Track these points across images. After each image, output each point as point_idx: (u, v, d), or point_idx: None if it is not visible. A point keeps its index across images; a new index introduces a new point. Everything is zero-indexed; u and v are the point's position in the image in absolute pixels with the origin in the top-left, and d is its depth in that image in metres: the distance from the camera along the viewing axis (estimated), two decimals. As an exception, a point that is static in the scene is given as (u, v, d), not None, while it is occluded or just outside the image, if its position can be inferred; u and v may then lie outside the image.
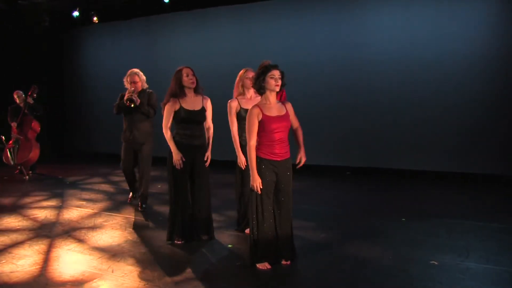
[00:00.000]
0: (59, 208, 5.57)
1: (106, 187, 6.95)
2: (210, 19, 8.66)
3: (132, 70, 5.30)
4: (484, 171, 6.59)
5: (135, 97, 5.06)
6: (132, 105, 5.04)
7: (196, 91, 4.06)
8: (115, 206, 5.61)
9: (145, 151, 5.29)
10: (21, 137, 7.65)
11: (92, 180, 7.58)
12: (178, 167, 3.96)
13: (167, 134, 4.01)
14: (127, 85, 5.23)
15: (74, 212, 5.33)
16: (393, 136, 7.18)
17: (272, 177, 3.37)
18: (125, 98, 5.06)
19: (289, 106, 3.52)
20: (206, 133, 4.20)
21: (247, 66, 4.28)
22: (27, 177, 7.72)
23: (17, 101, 7.78)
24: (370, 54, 7.21)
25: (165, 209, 4.53)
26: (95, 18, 9.50)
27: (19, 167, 7.84)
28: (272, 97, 3.40)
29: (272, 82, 3.32)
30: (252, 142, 3.35)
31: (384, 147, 7.25)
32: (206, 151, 4.14)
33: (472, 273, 3.29)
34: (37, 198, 6.17)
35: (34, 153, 7.75)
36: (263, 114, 3.33)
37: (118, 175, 8.00)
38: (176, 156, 3.95)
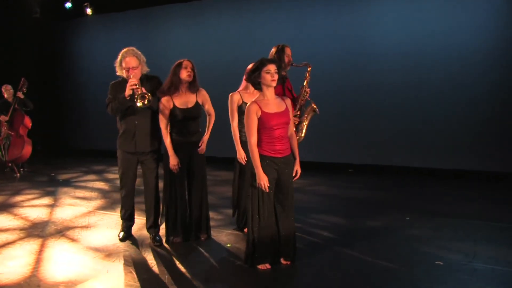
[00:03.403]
0: (52, 206, 5.55)
1: (100, 184, 6.93)
2: (208, 10, 8.62)
3: (127, 49, 3.89)
4: (492, 168, 6.58)
5: (145, 92, 3.74)
6: (146, 102, 3.70)
7: (191, 87, 3.99)
8: (110, 205, 5.60)
9: (152, 164, 4.07)
10: (12, 133, 7.63)
11: (86, 177, 7.57)
12: (175, 171, 3.95)
13: (166, 135, 3.96)
14: (120, 72, 3.93)
15: (67, 211, 5.31)
16: (397, 133, 7.17)
17: (273, 174, 3.36)
18: (127, 93, 3.73)
19: (288, 102, 3.49)
20: (207, 119, 4.17)
21: (245, 59, 4.26)
22: (18, 174, 7.70)
23: (5, 95, 7.76)
24: (374, 47, 7.19)
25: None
26: (88, 10, 9.46)
27: (9, 164, 7.82)
28: (269, 92, 3.36)
29: (268, 77, 3.28)
30: (253, 139, 3.32)
31: (388, 144, 7.23)
32: (197, 147, 4.09)
33: (479, 274, 3.28)
34: (29, 196, 6.15)
35: (27, 150, 7.73)
36: (261, 111, 3.31)
37: (113, 173, 8.00)
38: (173, 161, 3.93)
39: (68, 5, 9.32)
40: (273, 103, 3.37)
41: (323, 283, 3.22)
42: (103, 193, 6.29)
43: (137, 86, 3.73)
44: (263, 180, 3.29)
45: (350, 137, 7.50)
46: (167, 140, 3.95)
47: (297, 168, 3.52)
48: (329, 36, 7.53)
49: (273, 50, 4.37)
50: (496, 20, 6.44)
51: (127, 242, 4.14)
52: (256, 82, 3.35)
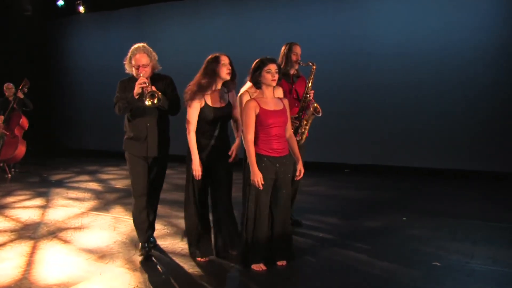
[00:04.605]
0: (44, 207, 5.52)
1: (93, 185, 6.91)
2: (204, 9, 8.61)
3: (138, 46, 3.65)
4: (492, 168, 6.59)
5: (155, 90, 3.48)
6: (155, 101, 3.45)
7: (226, 84, 3.62)
8: (103, 205, 5.57)
9: (161, 168, 3.87)
10: (7, 133, 7.59)
11: (78, 178, 7.54)
12: (197, 178, 3.55)
13: (193, 138, 3.53)
14: (129, 69, 3.70)
15: (59, 212, 5.28)
16: (393, 132, 7.18)
17: (271, 174, 3.36)
18: (136, 92, 3.50)
19: (286, 102, 3.50)
20: (233, 125, 3.84)
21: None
22: (9, 175, 7.66)
23: (6, 93, 7.76)
24: (373, 47, 7.18)
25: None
26: (81, 8, 9.42)
27: (1, 164, 7.78)
28: (268, 92, 3.39)
29: (269, 76, 3.30)
30: (250, 136, 3.33)
31: (384, 144, 7.24)
32: (227, 152, 3.69)
33: (477, 275, 3.28)
34: (20, 197, 6.11)
35: (20, 151, 7.68)
36: (260, 107, 3.32)
37: (106, 173, 7.98)
38: (196, 166, 3.53)
39: (60, 3, 9.28)
40: (272, 102, 3.40)
41: (320, 283, 3.22)
42: (96, 194, 6.26)
43: (147, 84, 3.48)
44: (258, 177, 3.29)
45: (348, 137, 7.49)
46: (193, 144, 3.53)
47: (300, 167, 3.52)
48: (327, 35, 7.52)
49: (283, 48, 4.29)
50: (495, 19, 6.45)
51: (121, 244, 4.11)
52: (257, 81, 3.36)
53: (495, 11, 6.46)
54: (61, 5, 9.29)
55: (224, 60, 3.54)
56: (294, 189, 4.21)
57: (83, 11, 9.49)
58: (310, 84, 4.29)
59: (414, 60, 6.93)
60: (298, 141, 4.17)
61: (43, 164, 8.93)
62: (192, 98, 3.49)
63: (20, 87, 7.51)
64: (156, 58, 3.71)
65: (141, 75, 3.54)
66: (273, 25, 7.88)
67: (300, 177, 3.53)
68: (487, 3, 6.50)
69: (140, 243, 3.81)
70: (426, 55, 6.83)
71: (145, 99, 3.44)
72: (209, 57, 3.59)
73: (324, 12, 7.56)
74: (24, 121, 7.69)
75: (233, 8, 8.39)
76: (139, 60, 3.57)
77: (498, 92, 6.48)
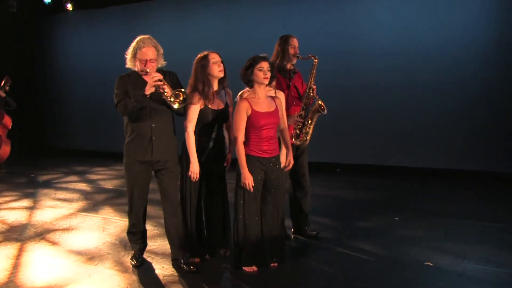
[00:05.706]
0: (31, 209, 5.46)
1: (82, 185, 6.85)
2: (195, 7, 8.57)
3: (143, 37, 3.37)
4: (485, 168, 6.62)
5: (179, 89, 3.23)
6: (181, 100, 3.16)
7: (221, 84, 3.55)
8: (92, 206, 5.53)
9: (173, 172, 3.48)
10: (-10, 133, 7.50)
11: (67, 178, 7.47)
12: (194, 180, 3.49)
13: (192, 140, 3.44)
14: (132, 64, 3.36)
15: (47, 213, 5.23)
16: (387, 131, 7.19)
17: (261, 175, 3.36)
18: (149, 90, 3.19)
19: (279, 101, 3.50)
20: (225, 132, 3.73)
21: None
22: (-5, 175, 7.58)
23: None
24: (365, 46, 7.19)
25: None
26: (69, 5, 9.33)
27: (-14, 165, 7.69)
28: (261, 90, 3.37)
29: (261, 74, 3.29)
30: (240, 137, 3.32)
31: (377, 143, 7.26)
32: (223, 154, 3.70)
33: (470, 275, 3.30)
34: (7, 198, 6.03)
35: (4, 151, 7.59)
36: (252, 109, 3.31)
37: (95, 173, 7.92)
38: (195, 168, 3.45)
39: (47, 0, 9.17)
40: (264, 102, 3.38)
41: (312, 284, 3.22)
42: (84, 195, 6.21)
43: (163, 82, 3.16)
44: (248, 180, 3.28)
45: (338, 136, 7.49)
46: (192, 145, 3.44)
47: (290, 158, 3.57)
48: (319, 34, 7.50)
49: (278, 42, 4.07)
50: (495, 18, 6.47)
51: (110, 245, 4.08)
52: (249, 80, 3.35)
53: (493, 8, 6.48)
54: (48, 2, 9.18)
55: (214, 57, 3.45)
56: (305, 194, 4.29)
57: (71, 9, 9.39)
58: (312, 79, 4.07)
59: (413, 60, 6.91)
60: (303, 142, 4.08)
61: (30, 164, 8.83)
62: (193, 100, 3.41)
63: (1, 85, 7.40)
64: (162, 53, 3.39)
65: (148, 70, 3.26)
66: (267, 23, 7.85)
67: (289, 167, 3.57)
68: (479, 2, 6.53)
69: (133, 251, 3.66)
70: (425, 54, 6.83)
71: (172, 102, 3.14)
72: (198, 56, 3.51)
73: (322, 11, 7.54)
74: (7, 120, 7.58)
75: (225, 6, 8.37)
76: (146, 54, 3.26)
77: (498, 92, 6.50)
